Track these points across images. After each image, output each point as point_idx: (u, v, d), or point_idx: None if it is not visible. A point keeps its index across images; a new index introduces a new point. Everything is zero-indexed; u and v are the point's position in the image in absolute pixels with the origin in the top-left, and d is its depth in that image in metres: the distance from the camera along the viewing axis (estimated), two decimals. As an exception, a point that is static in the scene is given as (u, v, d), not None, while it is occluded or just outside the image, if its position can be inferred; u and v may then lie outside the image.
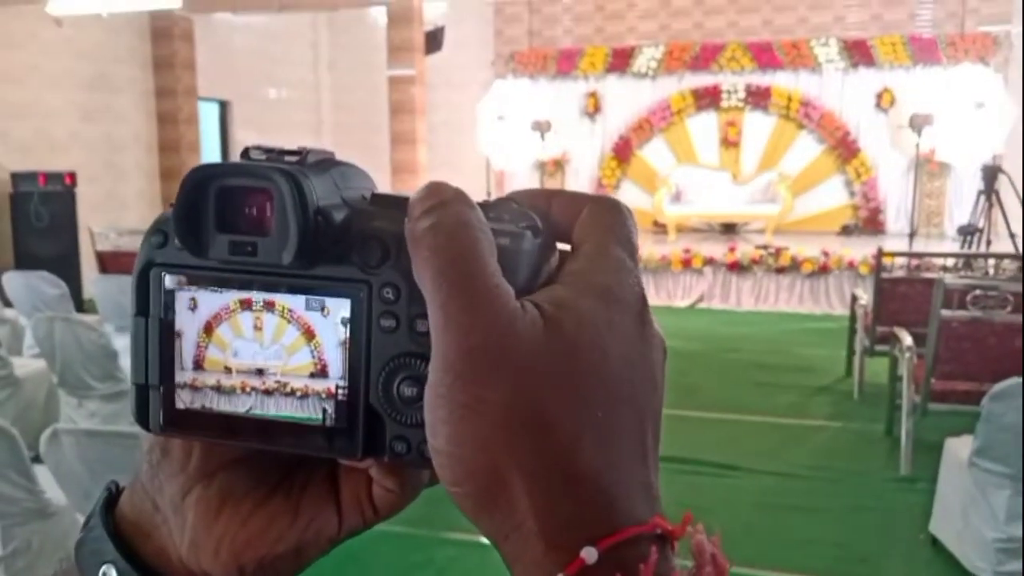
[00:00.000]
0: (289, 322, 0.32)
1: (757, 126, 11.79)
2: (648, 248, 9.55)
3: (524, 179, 12.33)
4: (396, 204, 0.31)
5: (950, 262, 6.21)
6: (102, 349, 4.36)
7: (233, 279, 0.32)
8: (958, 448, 3.55)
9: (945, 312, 4.20)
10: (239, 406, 0.33)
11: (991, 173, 7.99)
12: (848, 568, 3.54)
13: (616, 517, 0.28)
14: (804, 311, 8.90)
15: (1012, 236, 7.64)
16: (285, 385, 0.32)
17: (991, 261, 6.37)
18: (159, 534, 0.36)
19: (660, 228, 11.24)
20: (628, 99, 12.20)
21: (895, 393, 4.86)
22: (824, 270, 8.95)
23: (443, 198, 0.30)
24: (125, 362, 4.86)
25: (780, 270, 9.09)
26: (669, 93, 12.02)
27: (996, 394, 3.21)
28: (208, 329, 0.33)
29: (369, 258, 0.31)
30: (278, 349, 0.32)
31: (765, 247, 9.38)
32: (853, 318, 6.28)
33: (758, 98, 11.75)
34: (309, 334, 0.32)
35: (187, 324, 0.33)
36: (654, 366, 0.31)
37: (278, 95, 12.99)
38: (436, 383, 0.29)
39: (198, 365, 0.33)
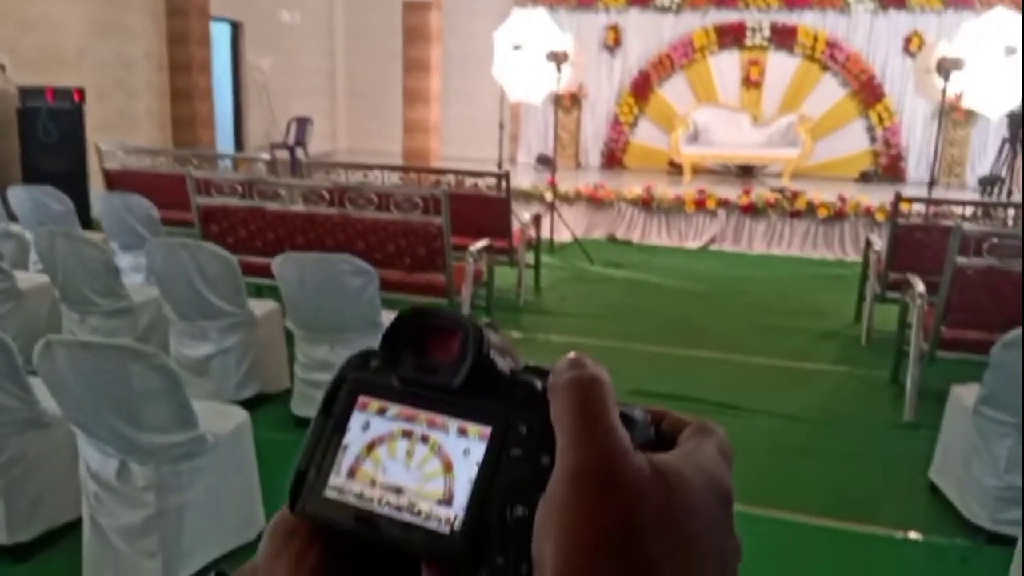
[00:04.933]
0: (435, 455, 0.39)
1: (781, 67, 11.50)
2: (662, 188, 9.42)
3: (539, 113, 12.13)
4: (540, 371, 0.38)
5: (968, 212, 6.08)
6: (104, 265, 4.32)
7: (408, 397, 0.40)
8: (964, 396, 3.51)
9: (960, 259, 4.11)
10: (374, 510, 0.39)
11: (1018, 121, 7.77)
12: (845, 511, 3.53)
13: None
14: (817, 256, 8.79)
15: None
16: (414, 505, 0.38)
17: (1011, 212, 6.23)
18: None
19: (675, 168, 11.08)
20: (649, 34, 11.90)
21: (903, 340, 4.80)
22: (840, 216, 8.82)
23: (586, 363, 0.36)
24: (128, 279, 4.84)
25: (795, 214, 8.95)
26: (692, 29, 11.71)
27: (1008, 342, 3.15)
28: (370, 447, 0.40)
29: (515, 398, 0.37)
30: (419, 474, 0.38)
31: (781, 191, 9.22)
32: (866, 264, 6.19)
33: (783, 37, 11.44)
34: (448, 467, 0.38)
35: (355, 440, 0.40)
36: (727, 552, 0.34)
37: (291, 18, 12.73)
38: (553, 490, 0.33)
39: (351, 474, 0.40)
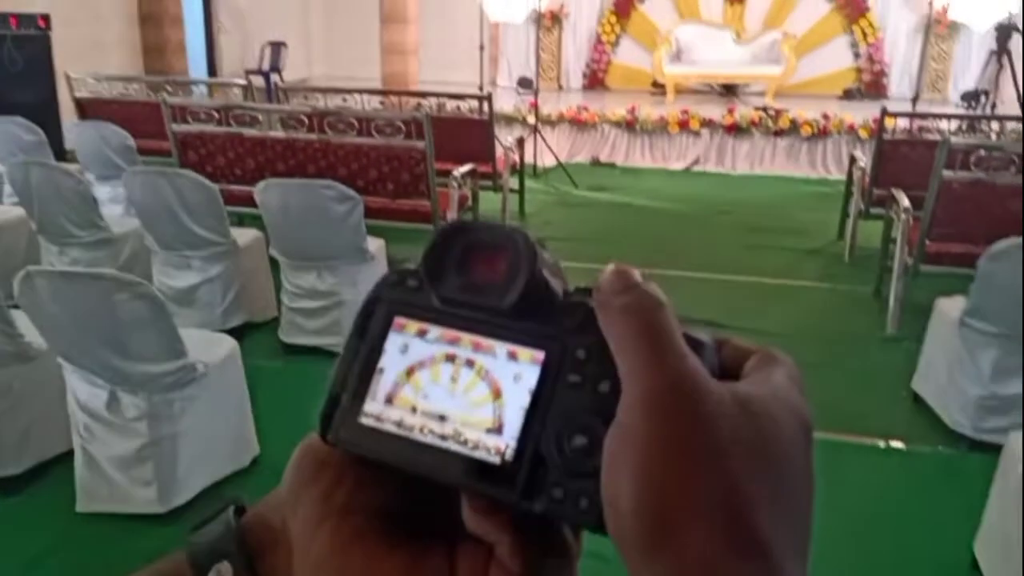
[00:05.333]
0: (482, 379, 0.36)
1: (764, -20, 11.27)
2: (645, 109, 9.29)
3: (520, 33, 11.87)
4: (592, 292, 0.35)
5: (953, 126, 6.05)
6: (81, 196, 4.24)
7: (451, 319, 0.37)
8: (948, 308, 3.54)
9: (947, 172, 4.10)
10: (415, 438, 0.36)
11: (1006, 32, 7.68)
12: (829, 422, 3.59)
13: None
14: (800, 175, 8.77)
15: (1021, 100, 7.43)
16: (460, 434, 0.35)
17: (995, 125, 6.21)
18: (276, 553, 0.38)
19: (659, 89, 10.92)
20: (631, -51, 11.59)
21: (887, 255, 4.83)
22: (823, 133, 8.77)
23: (638, 280, 0.33)
24: (107, 210, 4.76)
25: (778, 133, 8.89)
26: (674, -57, 11.41)
27: (994, 254, 3.17)
28: (410, 372, 0.37)
29: (572, 321, 0.34)
30: (465, 401, 0.36)
31: (764, 109, 9.14)
32: (850, 181, 6.18)
33: (768, -50, 11.17)
34: (497, 394, 0.35)
35: (393, 364, 0.37)
36: (811, 480, 0.32)
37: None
38: (624, 421, 0.30)
39: (389, 400, 0.37)
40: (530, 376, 0.35)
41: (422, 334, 0.37)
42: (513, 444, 0.34)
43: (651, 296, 0.33)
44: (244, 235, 4.36)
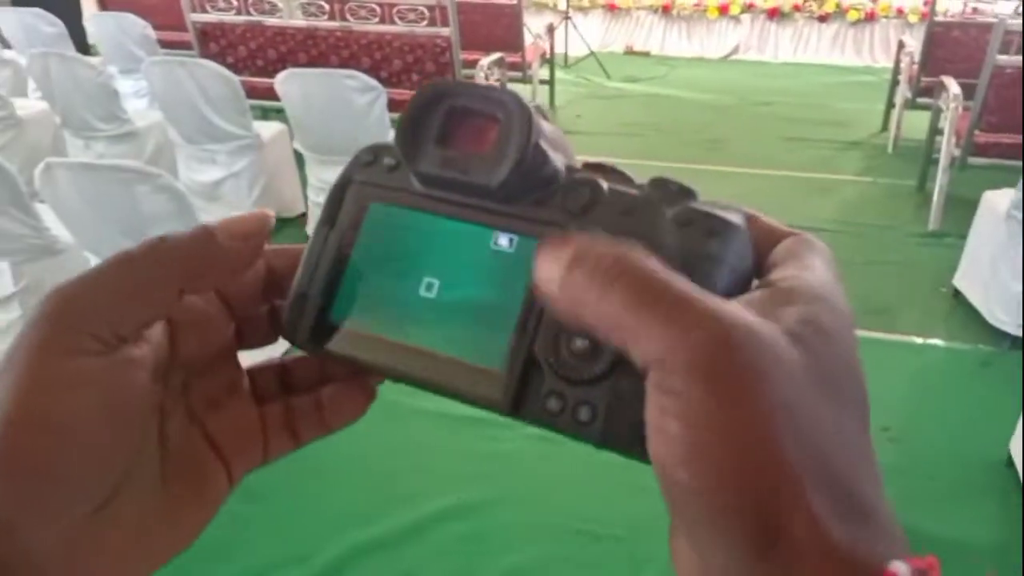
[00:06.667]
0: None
1: None
2: (682, -7, 8.90)
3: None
4: (604, 168, 0.31)
5: (1010, 8, 5.70)
6: (102, 88, 4.17)
7: (433, 203, 0.32)
8: (995, 201, 3.40)
9: (1001, 57, 3.87)
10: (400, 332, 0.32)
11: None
12: (867, 319, 3.51)
13: (896, 543, 0.24)
14: (844, 63, 8.40)
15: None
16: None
17: (1056, 6, 5.84)
18: None
19: (696, -28, 10.43)
20: None
21: (933, 147, 4.63)
22: (870, 18, 8.35)
23: (581, 248, 0.26)
24: (131, 104, 4.69)
25: (823, 18, 8.49)
26: None
27: (1049, 142, 3.00)
28: None
29: (575, 203, 0.30)
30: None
31: (809, -7, 8.71)
32: (897, 68, 5.90)
33: None
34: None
35: None
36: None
37: None
38: (668, 383, 0.24)
39: None
40: (528, 252, 0.30)
41: None
42: (504, 347, 0.30)
43: (608, 252, 0.25)
44: (268, 128, 4.28)
